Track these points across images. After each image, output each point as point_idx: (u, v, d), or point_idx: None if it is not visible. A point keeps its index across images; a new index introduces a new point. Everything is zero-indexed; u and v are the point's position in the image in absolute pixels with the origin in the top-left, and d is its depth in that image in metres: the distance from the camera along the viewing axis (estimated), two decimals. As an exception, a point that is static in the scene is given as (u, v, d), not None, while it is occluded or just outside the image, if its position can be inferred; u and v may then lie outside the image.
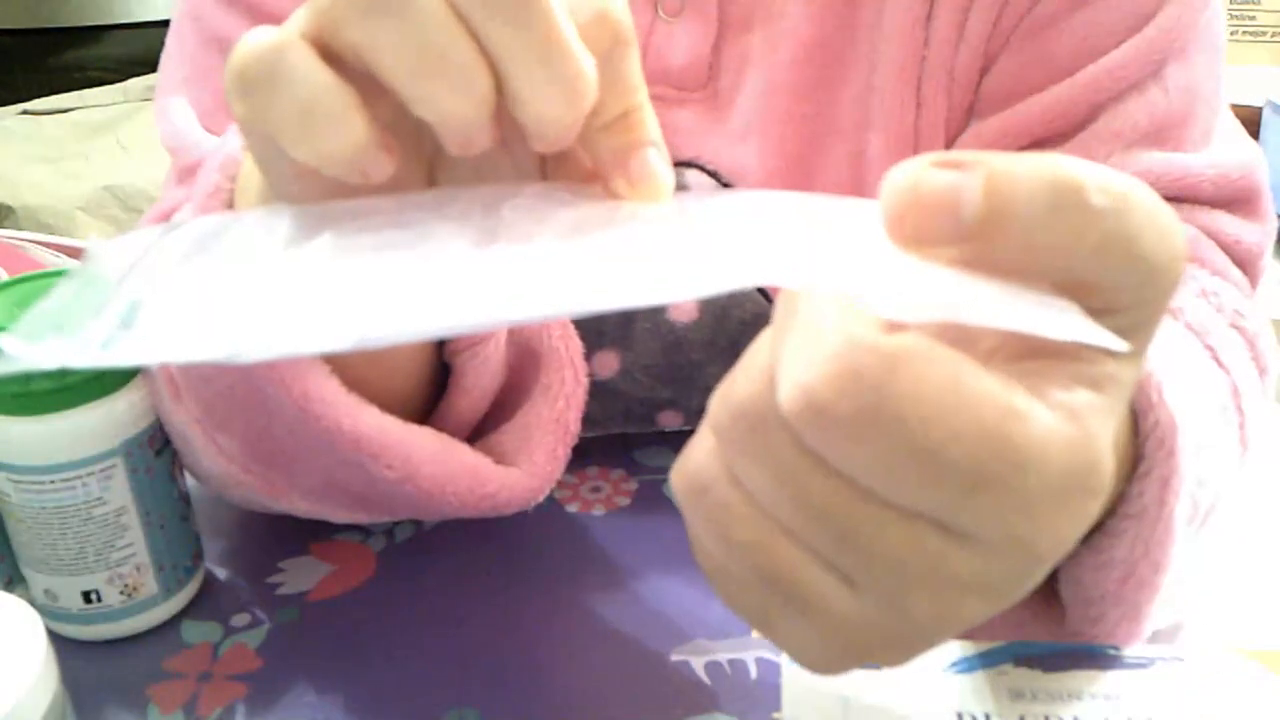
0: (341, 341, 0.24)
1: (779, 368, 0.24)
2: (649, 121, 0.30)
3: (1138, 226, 0.23)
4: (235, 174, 0.39)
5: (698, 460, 0.27)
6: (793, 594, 0.25)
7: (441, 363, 0.47)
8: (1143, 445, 0.35)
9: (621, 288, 0.24)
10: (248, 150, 0.35)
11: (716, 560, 0.27)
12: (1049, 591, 0.38)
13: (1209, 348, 0.44)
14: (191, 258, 0.28)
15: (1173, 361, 0.37)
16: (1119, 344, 0.23)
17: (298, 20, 0.29)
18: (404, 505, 0.46)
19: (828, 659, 0.27)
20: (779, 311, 0.25)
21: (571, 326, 0.50)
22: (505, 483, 0.46)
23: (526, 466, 0.47)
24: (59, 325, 0.26)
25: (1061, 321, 0.23)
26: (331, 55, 0.28)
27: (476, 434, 0.48)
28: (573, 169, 0.33)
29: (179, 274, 0.28)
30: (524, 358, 0.49)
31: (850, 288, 0.23)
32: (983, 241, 0.23)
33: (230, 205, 0.39)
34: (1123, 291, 0.24)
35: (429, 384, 0.48)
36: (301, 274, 0.27)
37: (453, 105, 0.28)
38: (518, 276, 0.25)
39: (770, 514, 0.25)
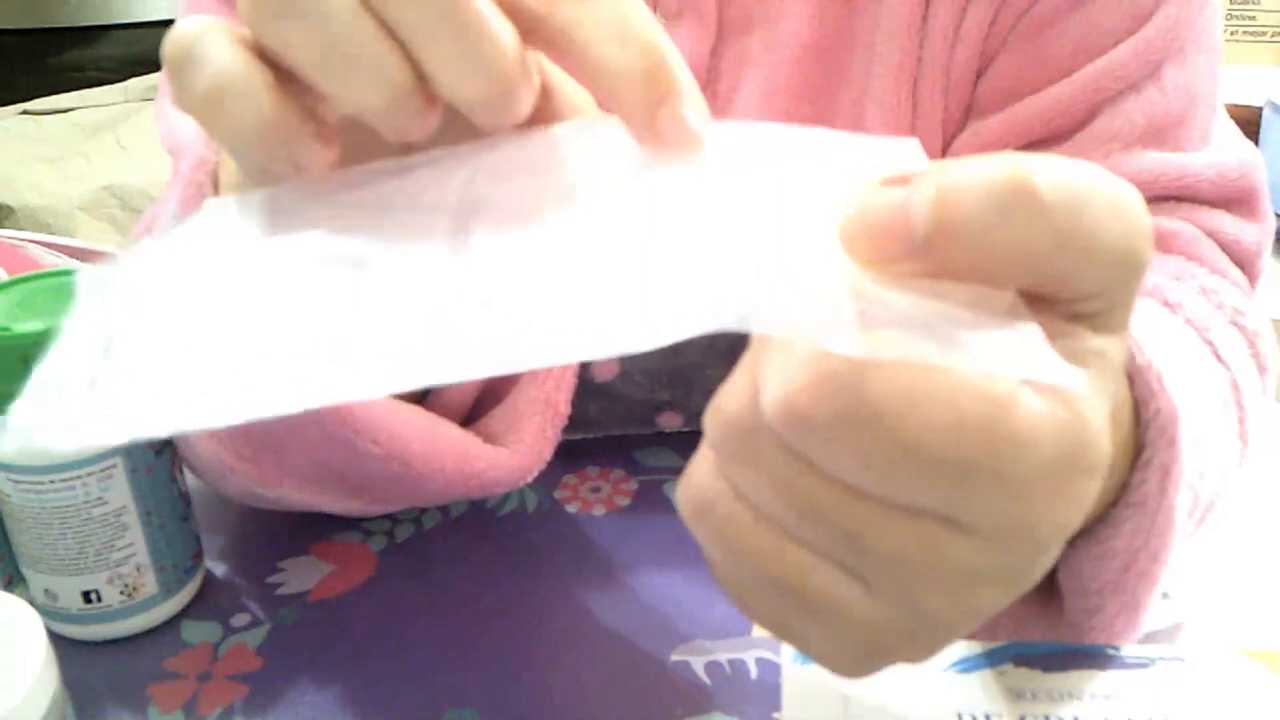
0: (305, 403, 0.24)
1: (761, 380, 0.24)
2: (673, 70, 0.28)
3: (1096, 217, 0.23)
4: (218, 147, 0.39)
5: (699, 479, 0.27)
6: (807, 600, 0.25)
7: None
8: (1144, 434, 0.35)
9: (569, 345, 0.24)
10: None
11: (731, 574, 0.27)
12: (1047, 586, 0.38)
13: (1209, 343, 0.44)
14: (158, 298, 0.28)
15: (1173, 353, 0.37)
16: (1076, 382, 0.23)
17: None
18: (393, 488, 0.47)
19: (852, 662, 0.27)
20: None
21: None
22: (493, 461, 0.47)
23: (515, 446, 0.48)
24: (49, 396, 0.26)
25: (1026, 357, 0.23)
26: (265, 56, 0.28)
27: (468, 422, 0.49)
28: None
29: (145, 326, 0.27)
30: None
31: (811, 334, 0.23)
32: (937, 254, 0.23)
33: (215, 178, 0.39)
34: (1088, 280, 0.24)
35: None
36: (264, 324, 0.27)
37: (368, 97, 0.27)
38: (469, 335, 0.25)
39: (775, 522, 0.25)
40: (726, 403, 0.25)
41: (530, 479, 0.49)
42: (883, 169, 0.25)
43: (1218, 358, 0.44)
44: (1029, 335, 0.23)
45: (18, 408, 0.25)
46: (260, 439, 0.45)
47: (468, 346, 0.24)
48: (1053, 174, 0.23)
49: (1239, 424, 0.42)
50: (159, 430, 0.25)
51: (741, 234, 0.25)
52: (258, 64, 0.28)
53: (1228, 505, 0.41)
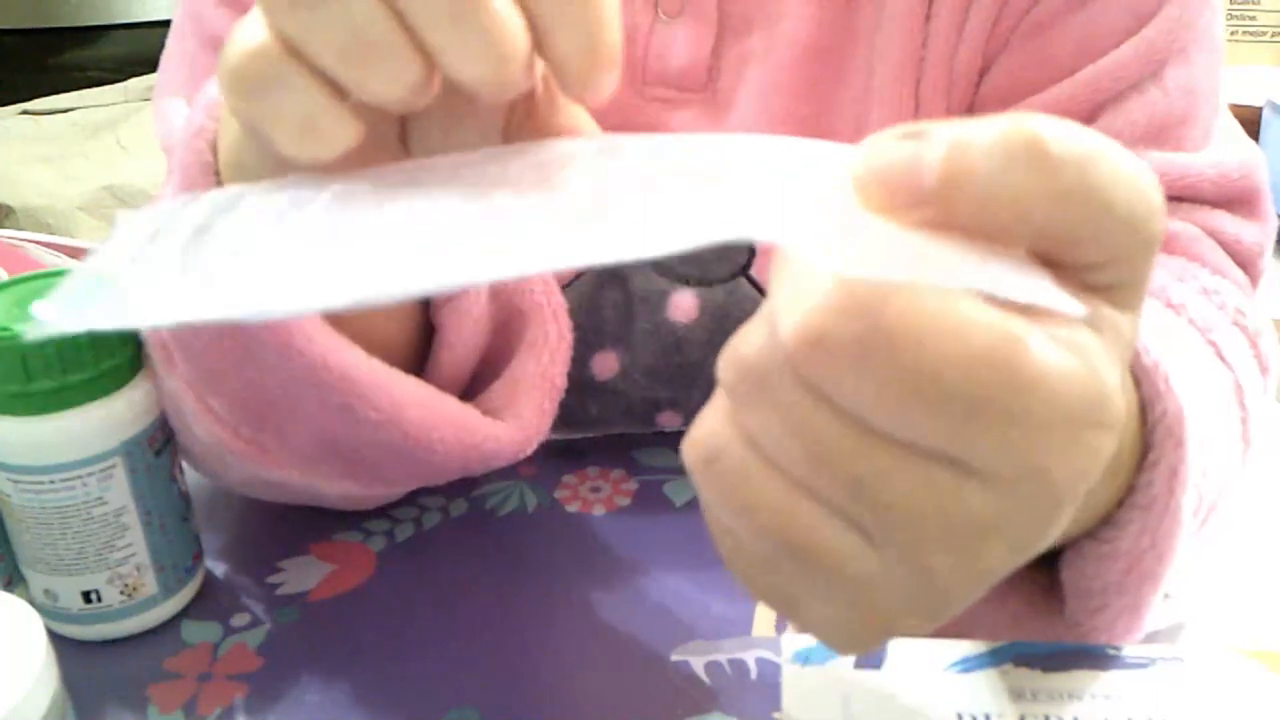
0: (341, 298, 0.25)
1: (778, 312, 0.24)
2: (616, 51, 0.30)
3: (1105, 178, 0.23)
4: (219, 115, 0.40)
5: (709, 427, 0.27)
6: (811, 557, 0.25)
7: (429, 324, 0.48)
8: (1150, 435, 0.35)
9: (604, 243, 0.24)
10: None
11: (733, 535, 0.27)
12: (1047, 584, 0.38)
13: (1212, 343, 0.44)
14: (203, 231, 0.28)
15: (1179, 354, 0.37)
16: (1076, 308, 0.23)
17: None
18: (392, 462, 0.47)
19: (853, 633, 0.26)
20: (774, 271, 0.25)
21: (554, 282, 0.50)
22: (491, 434, 0.47)
23: (513, 420, 0.48)
24: (92, 291, 0.26)
25: (1022, 284, 0.23)
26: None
27: (468, 397, 0.49)
28: (539, 125, 0.33)
29: (190, 245, 0.28)
30: (509, 316, 0.50)
31: (825, 250, 0.23)
32: (944, 203, 0.23)
33: (213, 145, 0.40)
34: (1097, 246, 0.24)
35: (416, 342, 0.48)
36: (304, 231, 0.28)
37: (386, 89, 0.29)
38: (506, 231, 0.26)
39: (784, 470, 0.25)
40: (742, 343, 0.25)
41: (528, 452, 0.49)
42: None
43: (1221, 359, 0.44)
44: (1036, 275, 0.24)
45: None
46: (260, 414, 0.45)
47: (535, 240, 0.25)
48: (1062, 132, 0.23)
49: (1241, 424, 0.42)
50: (252, 309, 0.25)
51: (759, 174, 0.26)
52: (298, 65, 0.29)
53: (1229, 506, 0.41)
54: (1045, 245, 0.24)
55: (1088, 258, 0.24)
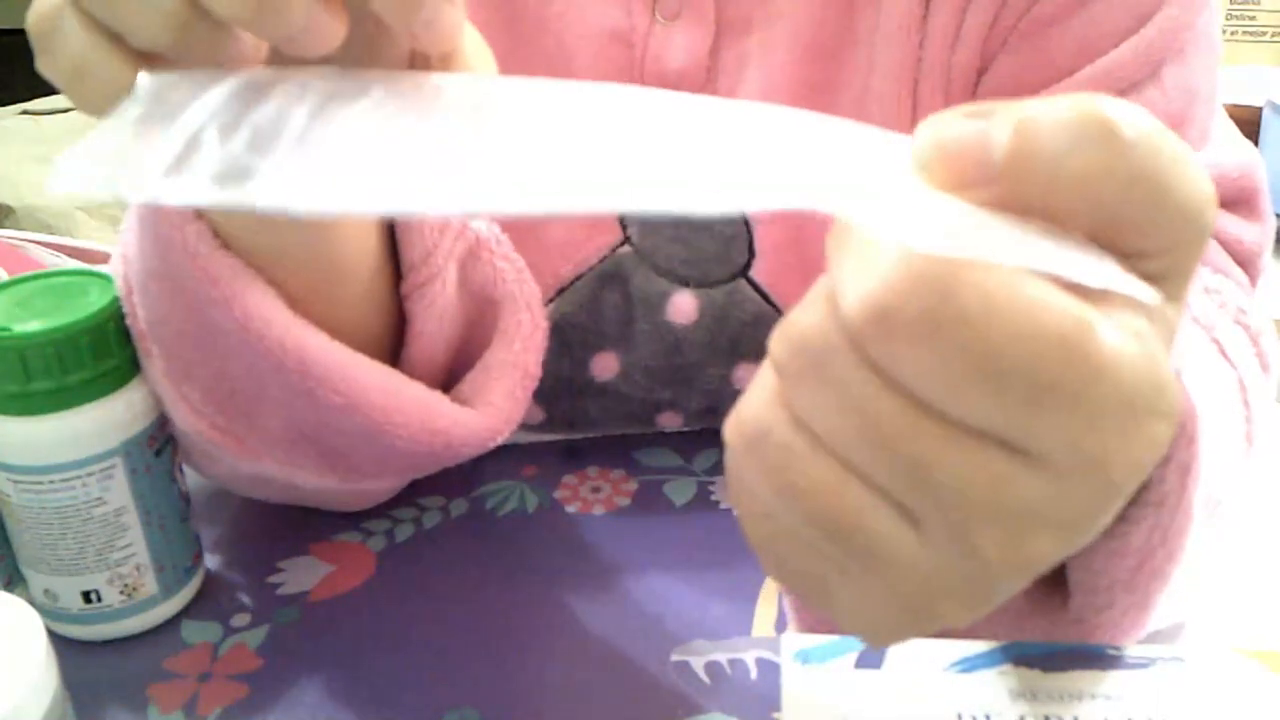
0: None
1: (841, 287, 0.24)
2: None
3: (1168, 164, 0.23)
4: None
5: (755, 407, 0.26)
6: (855, 542, 0.25)
7: (401, 313, 0.48)
8: None
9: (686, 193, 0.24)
10: None
11: (772, 518, 0.26)
12: (1051, 583, 0.38)
13: (1215, 341, 0.44)
14: (244, 110, 0.28)
15: (1187, 351, 0.37)
16: (1150, 295, 0.23)
17: None
18: (362, 450, 0.47)
19: (890, 621, 0.26)
20: (831, 243, 0.25)
21: (527, 272, 0.51)
22: (458, 419, 0.47)
23: (484, 408, 0.48)
24: (118, 155, 0.26)
25: (1097, 267, 0.23)
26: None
27: (447, 391, 0.49)
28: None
29: (230, 120, 0.27)
30: (483, 306, 0.50)
31: (896, 224, 0.23)
32: (1011, 181, 0.23)
33: None
34: (1155, 233, 0.24)
35: (389, 330, 0.48)
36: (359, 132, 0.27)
37: (142, 25, 0.30)
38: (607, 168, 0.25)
39: (834, 451, 0.25)
40: (799, 319, 0.25)
41: (499, 440, 0.49)
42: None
43: (1225, 357, 0.43)
44: (1105, 258, 0.23)
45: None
46: (231, 403, 0.46)
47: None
48: (1130, 114, 0.23)
49: (1246, 423, 0.42)
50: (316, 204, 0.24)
51: (816, 148, 0.25)
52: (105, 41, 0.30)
53: (1232, 506, 0.41)
54: (1106, 230, 0.24)
55: (1145, 245, 0.24)
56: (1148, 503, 0.35)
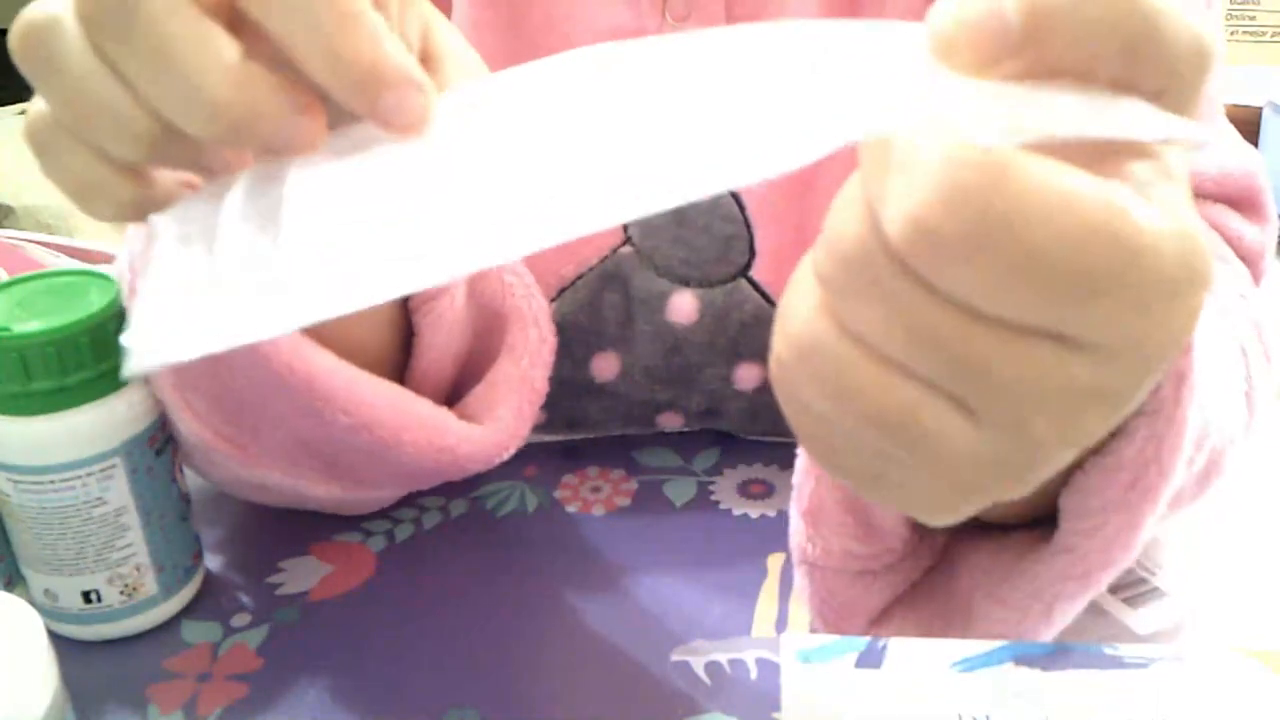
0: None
1: (881, 203, 0.24)
2: (382, 72, 0.29)
3: (1176, 5, 0.24)
4: None
5: (802, 318, 0.26)
6: (910, 436, 0.25)
7: (408, 328, 0.48)
8: None
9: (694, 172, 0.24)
10: None
11: (823, 422, 0.27)
12: (1035, 538, 0.38)
13: (1219, 308, 0.44)
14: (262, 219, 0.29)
15: None
16: (1204, 135, 0.23)
17: None
18: (369, 465, 0.47)
19: (943, 501, 0.27)
20: (865, 154, 0.25)
21: (535, 286, 0.51)
22: (465, 435, 0.47)
23: (491, 424, 0.48)
24: (171, 317, 0.27)
25: (1148, 119, 0.23)
26: None
27: (453, 404, 0.49)
28: None
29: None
30: (490, 320, 0.50)
31: (949, 119, 0.23)
32: (1035, 45, 0.23)
33: None
34: (1172, 66, 0.24)
35: (396, 346, 0.48)
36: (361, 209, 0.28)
37: (118, 144, 0.31)
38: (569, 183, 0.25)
39: (885, 356, 0.25)
40: (839, 233, 0.25)
41: (506, 456, 0.49)
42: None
43: (1227, 320, 0.43)
44: (1140, 106, 0.24)
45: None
46: (236, 415, 0.46)
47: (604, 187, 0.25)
48: None
49: (1246, 381, 0.42)
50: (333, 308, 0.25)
51: (831, 66, 0.25)
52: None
53: (1232, 483, 0.41)
54: (1124, 72, 0.24)
55: (1159, 81, 0.24)
56: (1142, 412, 0.35)
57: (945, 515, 0.27)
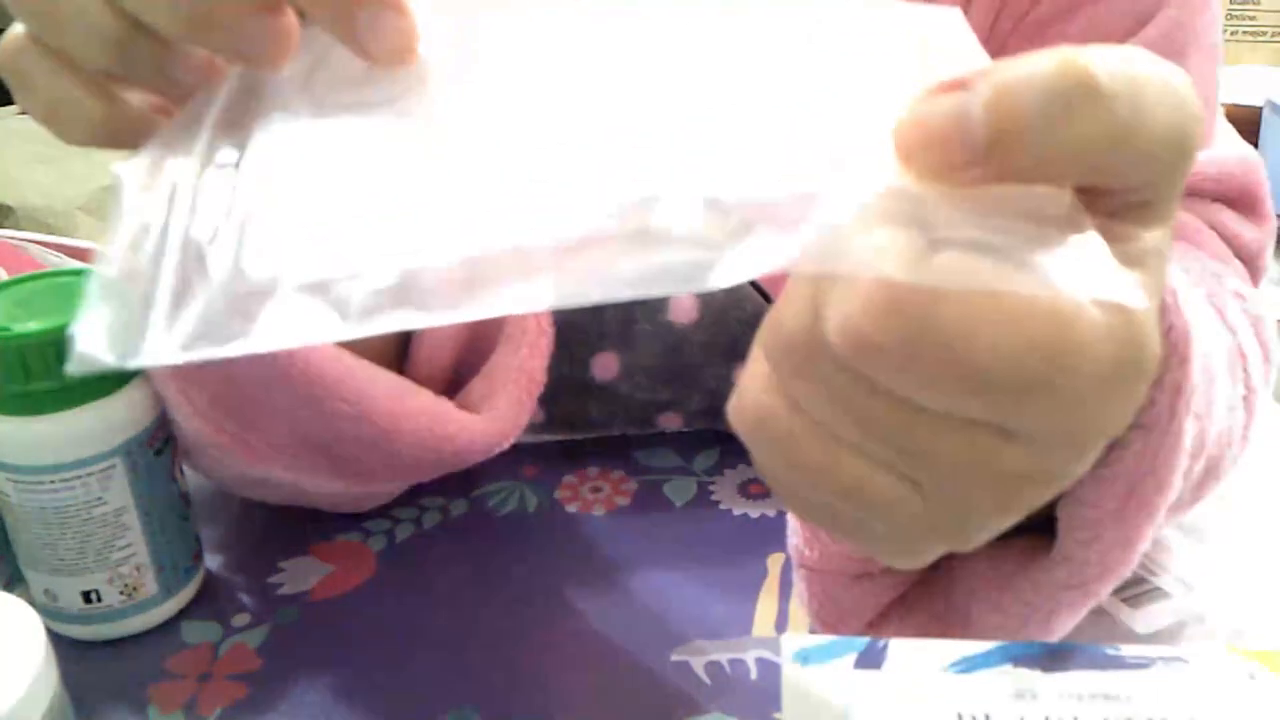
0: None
1: (823, 300, 0.24)
2: None
3: (1153, 103, 0.23)
4: None
5: (754, 393, 0.27)
6: (861, 503, 0.26)
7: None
8: None
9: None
10: None
11: (785, 482, 0.28)
12: (1034, 545, 0.38)
13: (1217, 309, 0.44)
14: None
15: (1184, 283, 0.37)
16: (1138, 300, 0.23)
17: None
18: (370, 457, 0.47)
19: (905, 552, 0.28)
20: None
21: None
22: (465, 425, 0.47)
23: (489, 414, 0.48)
24: (124, 312, 0.26)
25: (1091, 276, 0.23)
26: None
27: (452, 395, 0.50)
28: None
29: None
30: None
31: (876, 267, 0.22)
32: (998, 159, 0.22)
33: None
34: (1146, 170, 0.24)
35: (394, 337, 0.48)
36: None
37: (85, 47, 0.30)
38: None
39: (832, 434, 0.26)
40: (786, 320, 0.25)
41: (505, 446, 0.49)
42: (930, 63, 0.24)
43: (1224, 322, 0.43)
44: (1092, 248, 0.23)
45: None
46: (237, 408, 0.46)
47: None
48: (1109, 63, 0.22)
49: (1244, 385, 0.42)
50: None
51: (785, 141, 0.24)
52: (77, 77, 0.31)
53: (1231, 485, 0.41)
54: (1094, 178, 0.24)
55: (1134, 182, 0.24)
56: (1139, 425, 0.35)
57: (905, 563, 0.28)
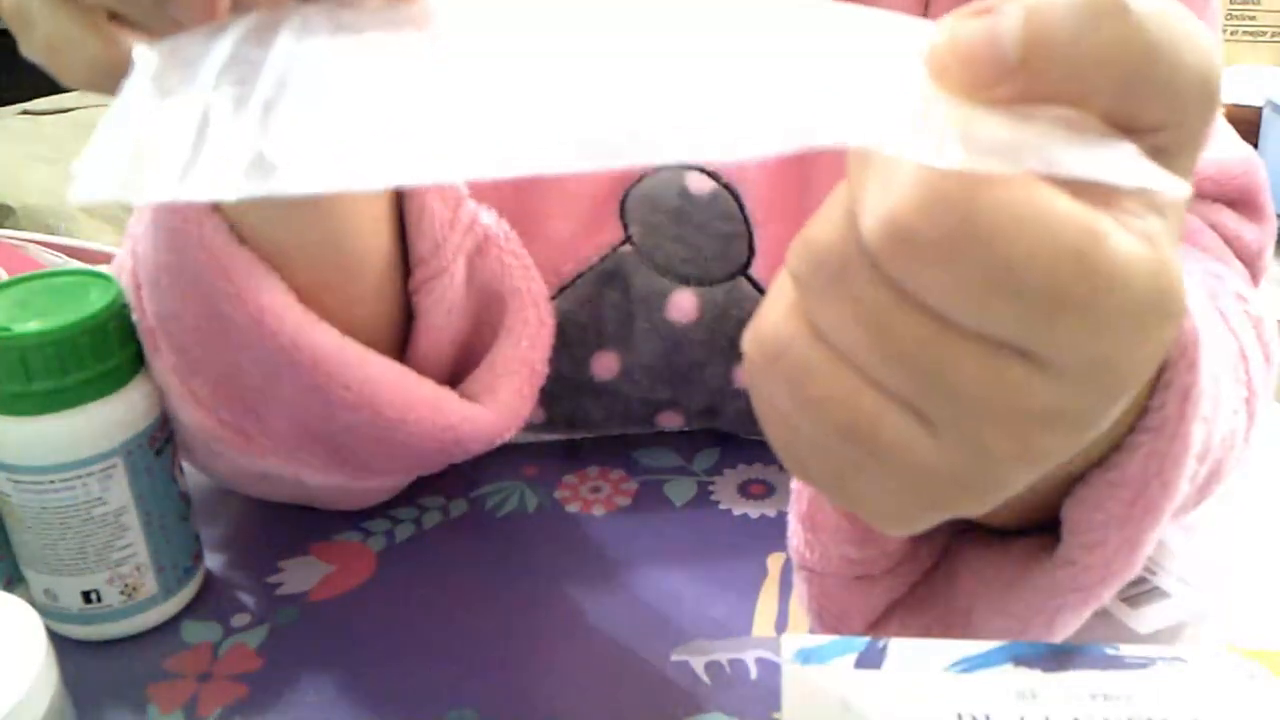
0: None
1: (861, 205, 0.24)
2: None
3: (1179, 33, 0.23)
4: None
5: (773, 321, 0.26)
6: (872, 446, 0.25)
7: (409, 307, 0.48)
8: (1165, 355, 0.34)
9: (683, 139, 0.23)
10: None
11: (790, 425, 0.27)
12: (1037, 547, 0.38)
13: (1219, 311, 0.44)
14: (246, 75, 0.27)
15: (1190, 285, 0.37)
16: (1182, 187, 0.23)
17: None
18: (371, 448, 0.47)
19: (904, 512, 0.27)
20: (852, 161, 0.25)
21: (535, 268, 0.51)
22: (467, 415, 0.47)
23: (491, 405, 0.48)
24: (134, 151, 0.25)
25: (1128, 167, 0.23)
26: None
27: (452, 387, 0.49)
28: None
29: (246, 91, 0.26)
30: (490, 301, 0.50)
31: (919, 151, 0.23)
32: (1029, 74, 0.23)
33: None
34: (1171, 103, 0.24)
35: (396, 325, 0.48)
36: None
37: None
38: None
39: (852, 363, 0.25)
40: (817, 233, 0.25)
41: (506, 437, 0.49)
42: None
43: (1227, 324, 0.43)
44: (1126, 150, 0.23)
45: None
46: (240, 398, 0.46)
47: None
48: None
49: (1246, 388, 0.42)
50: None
51: (818, 63, 0.25)
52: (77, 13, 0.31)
53: (1232, 485, 0.41)
54: (1124, 106, 0.24)
55: (1158, 117, 0.24)
56: (1146, 428, 0.34)
57: (904, 526, 0.27)
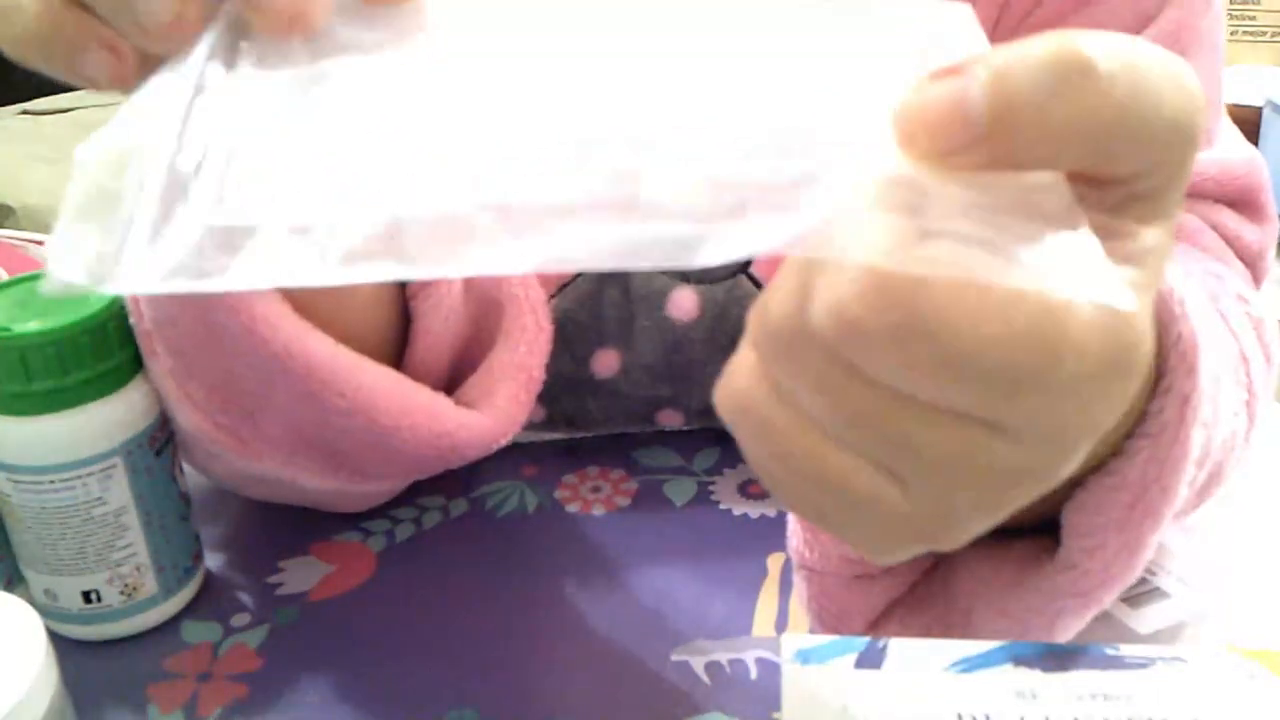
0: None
1: (812, 284, 0.24)
2: None
3: (1152, 86, 0.23)
4: None
5: (740, 380, 0.27)
6: (843, 495, 0.26)
7: (406, 313, 0.48)
8: (1164, 361, 0.34)
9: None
10: None
11: (767, 470, 0.27)
12: (1037, 548, 0.38)
13: (1220, 313, 0.44)
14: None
15: (1191, 290, 0.37)
16: (1128, 303, 0.23)
17: None
18: (367, 453, 0.47)
19: (885, 548, 0.27)
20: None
21: (532, 275, 0.51)
22: (463, 422, 0.47)
23: (488, 411, 0.48)
24: (100, 234, 0.24)
25: (1076, 278, 0.22)
26: None
27: (450, 393, 0.49)
28: None
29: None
30: (487, 308, 0.50)
31: (868, 254, 0.22)
32: (998, 140, 0.22)
33: None
34: (1147, 155, 0.24)
35: (394, 332, 0.48)
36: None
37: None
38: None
39: (817, 424, 0.25)
40: (773, 306, 0.25)
41: (503, 443, 0.49)
42: (933, 55, 0.24)
43: (1228, 326, 0.43)
44: (1086, 247, 0.23)
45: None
46: (235, 402, 0.46)
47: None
48: (1106, 45, 0.22)
49: (1247, 390, 0.42)
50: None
51: (785, 124, 0.24)
52: None
53: (1232, 486, 0.41)
54: (1093, 165, 0.23)
55: (1133, 169, 0.24)
56: (1145, 434, 0.34)
57: (888, 558, 0.28)
